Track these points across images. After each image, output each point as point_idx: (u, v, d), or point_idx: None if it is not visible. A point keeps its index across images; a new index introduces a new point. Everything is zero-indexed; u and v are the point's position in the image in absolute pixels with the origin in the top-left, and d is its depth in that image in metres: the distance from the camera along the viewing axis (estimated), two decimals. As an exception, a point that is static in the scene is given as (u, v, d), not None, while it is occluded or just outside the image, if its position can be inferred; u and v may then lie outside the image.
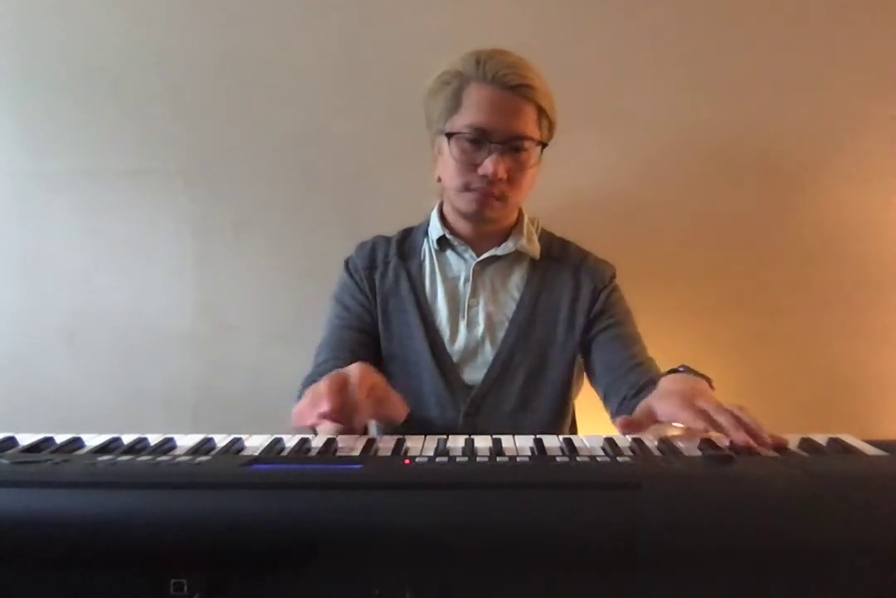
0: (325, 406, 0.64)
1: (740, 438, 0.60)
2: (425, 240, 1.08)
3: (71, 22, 1.41)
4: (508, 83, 0.89)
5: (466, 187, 0.95)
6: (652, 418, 0.72)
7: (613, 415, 0.98)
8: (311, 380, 0.92)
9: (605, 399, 1.01)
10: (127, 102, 1.42)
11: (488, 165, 0.91)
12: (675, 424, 0.69)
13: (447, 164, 0.96)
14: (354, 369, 0.70)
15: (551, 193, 1.39)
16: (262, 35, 1.41)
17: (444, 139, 0.95)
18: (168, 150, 1.44)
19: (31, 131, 1.44)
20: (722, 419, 0.64)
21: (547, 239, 1.10)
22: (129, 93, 1.42)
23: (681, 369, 0.85)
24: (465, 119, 0.92)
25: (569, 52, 1.38)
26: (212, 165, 1.44)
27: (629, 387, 0.94)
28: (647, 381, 0.90)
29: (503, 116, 0.91)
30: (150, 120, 1.43)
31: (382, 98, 1.41)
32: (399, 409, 0.72)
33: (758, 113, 1.41)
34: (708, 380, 0.84)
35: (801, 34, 1.39)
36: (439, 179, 1.01)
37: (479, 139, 0.91)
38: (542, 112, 0.94)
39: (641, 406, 0.75)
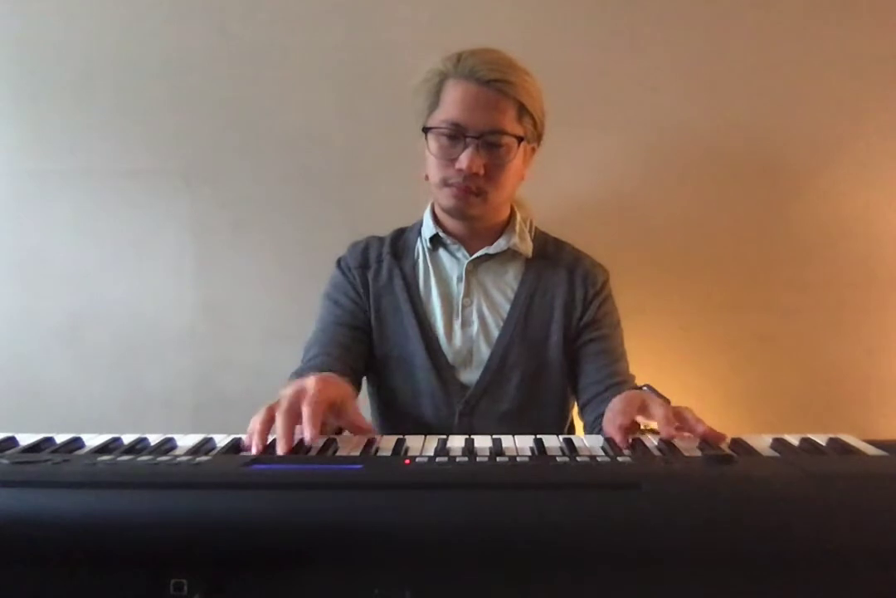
0: (257, 443, 0.61)
1: (670, 431, 0.64)
2: (418, 239, 1.08)
3: (71, 22, 1.41)
4: (484, 78, 0.89)
5: (445, 183, 0.95)
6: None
7: (587, 427, 1.01)
8: (298, 376, 0.91)
9: (582, 411, 1.03)
10: (127, 101, 1.43)
11: (463, 160, 0.91)
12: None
13: (428, 160, 0.97)
14: (311, 384, 0.67)
15: (551, 194, 1.39)
16: (263, 35, 1.41)
17: (424, 136, 0.95)
18: (168, 150, 1.44)
19: (31, 131, 1.44)
20: (658, 413, 0.67)
21: (541, 238, 1.10)
22: (130, 93, 1.42)
23: (644, 388, 0.87)
24: (442, 115, 0.92)
25: (568, 53, 1.38)
26: (212, 165, 1.44)
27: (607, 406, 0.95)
28: None
29: (479, 111, 0.90)
30: (150, 120, 1.43)
31: (382, 99, 1.41)
32: (357, 422, 0.70)
33: (758, 113, 1.41)
34: (666, 401, 0.84)
35: (801, 35, 1.39)
36: (427, 177, 1.01)
37: (456, 134, 0.92)
38: (522, 108, 0.93)
39: (606, 417, 0.77)
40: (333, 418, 0.70)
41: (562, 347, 1.03)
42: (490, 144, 0.92)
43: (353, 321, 1.04)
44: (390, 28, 1.40)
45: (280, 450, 0.59)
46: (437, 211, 1.06)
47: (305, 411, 0.63)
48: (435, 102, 0.94)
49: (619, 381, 0.97)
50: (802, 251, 1.44)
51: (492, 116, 0.91)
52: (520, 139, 0.93)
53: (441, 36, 1.38)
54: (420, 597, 0.43)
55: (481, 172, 0.92)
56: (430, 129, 0.93)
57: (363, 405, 1.12)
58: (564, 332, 1.03)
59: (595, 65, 1.40)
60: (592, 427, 0.97)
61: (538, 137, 0.99)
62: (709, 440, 0.64)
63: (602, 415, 0.94)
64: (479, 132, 0.91)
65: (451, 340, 1.02)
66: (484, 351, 1.02)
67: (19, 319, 1.48)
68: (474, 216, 0.99)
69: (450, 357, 1.02)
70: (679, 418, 0.68)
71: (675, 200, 1.43)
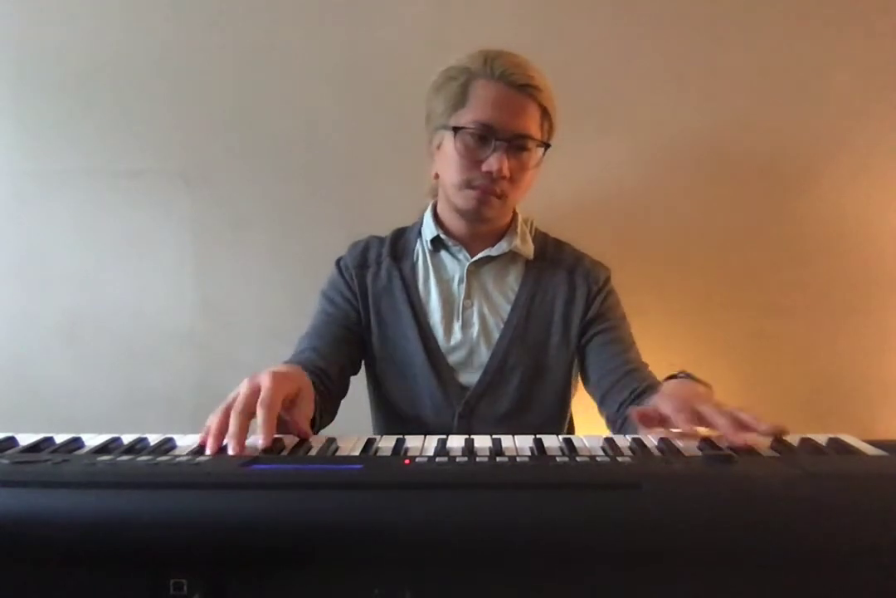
0: (233, 447, 0.59)
1: (738, 440, 0.60)
2: (418, 240, 1.08)
3: (71, 22, 1.41)
4: (516, 82, 0.89)
5: (468, 184, 0.94)
6: (657, 416, 0.70)
7: (610, 419, 0.96)
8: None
9: (602, 404, 0.99)
10: (127, 102, 1.43)
11: (493, 162, 0.90)
12: (672, 429, 0.69)
13: (448, 160, 0.94)
14: (266, 381, 0.65)
15: (551, 195, 1.39)
16: (263, 35, 1.41)
17: (446, 134, 0.94)
18: (168, 150, 1.44)
19: (31, 131, 1.44)
20: (720, 422, 0.63)
21: (541, 240, 1.10)
22: (129, 93, 1.42)
23: (680, 374, 0.85)
24: (471, 115, 0.91)
25: (567, 53, 1.38)
26: (212, 165, 1.44)
27: (629, 392, 0.91)
28: (647, 386, 0.89)
29: (509, 114, 0.90)
30: (150, 120, 1.43)
31: (382, 99, 1.41)
32: (300, 423, 0.69)
33: (758, 113, 1.41)
34: (707, 386, 0.83)
35: (801, 34, 1.39)
36: (436, 176, 1.00)
37: (485, 135, 0.91)
38: (545, 114, 0.94)
39: (650, 406, 0.74)
40: (283, 412, 0.68)
41: (563, 348, 1.02)
42: (517, 148, 0.92)
43: (344, 321, 1.04)
44: (390, 28, 1.40)
45: (231, 451, 0.59)
46: (442, 212, 1.05)
47: (260, 413, 0.62)
48: (461, 101, 0.92)
49: (633, 368, 0.96)
50: (802, 251, 1.44)
51: (522, 120, 0.91)
52: (546, 146, 0.95)
53: (442, 36, 1.38)
54: (420, 597, 0.43)
55: (509, 175, 0.92)
56: (459, 128, 0.92)
57: (362, 405, 1.12)
58: (566, 333, 1.03)
59: (595, 64, 1.40)
60: (616, 418, 0.93)
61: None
62: (777, 437, 0.62)
63: (624, 402, 0.91)
64: (509, 135, 0.90)
65: (451, 341, 1.02)
66: (484, 353, 1.02)
67: (19, 319, 1.48)
68: (489, 219, 0.99)
69: (449, 359, 1.02)
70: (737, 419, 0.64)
71: (675, 200, 1.43)
